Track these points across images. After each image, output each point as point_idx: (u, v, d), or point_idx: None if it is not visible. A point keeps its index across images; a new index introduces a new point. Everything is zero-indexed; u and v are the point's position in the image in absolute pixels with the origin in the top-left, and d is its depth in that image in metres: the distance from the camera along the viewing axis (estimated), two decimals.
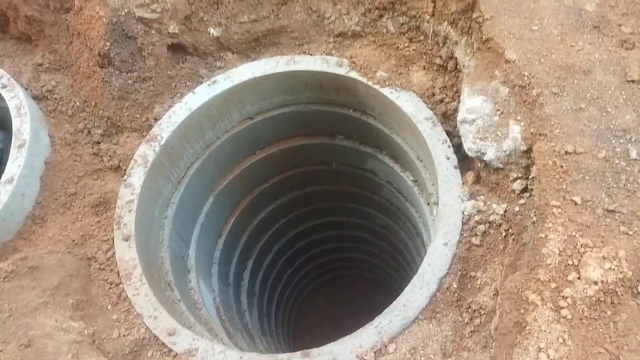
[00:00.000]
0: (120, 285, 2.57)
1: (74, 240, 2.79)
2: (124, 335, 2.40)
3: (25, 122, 3.30)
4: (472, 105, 2.46)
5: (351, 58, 3.10)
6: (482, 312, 2.28)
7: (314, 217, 5.66)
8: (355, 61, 3.06)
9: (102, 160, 3.34)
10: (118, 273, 2.62)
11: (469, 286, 2.40)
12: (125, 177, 2.95)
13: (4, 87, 3.49)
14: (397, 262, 6.01)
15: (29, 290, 2.33)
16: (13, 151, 3.20)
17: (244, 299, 4.95)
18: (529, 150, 2.29)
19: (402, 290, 2.41)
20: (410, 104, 2.89)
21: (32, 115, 3.36)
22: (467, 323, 2.29)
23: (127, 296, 2.53)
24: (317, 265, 6.91)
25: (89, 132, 3.46)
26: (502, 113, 2.42)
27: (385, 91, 2.96)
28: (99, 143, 3.40)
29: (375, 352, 2.24)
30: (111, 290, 2.57)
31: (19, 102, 3.39)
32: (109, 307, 2.52)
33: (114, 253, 2.69)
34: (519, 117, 2.34)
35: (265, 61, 3.24)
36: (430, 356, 2.21)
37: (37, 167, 3.27)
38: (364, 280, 7.41)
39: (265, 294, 5.83)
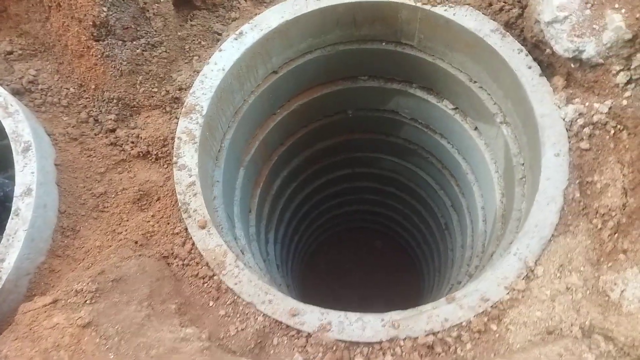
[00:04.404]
0: (215, 277, 2.23)
1: (136, 242, 2.38)
2: (242, 329, 2.09)
3: (19, 120, 2.73)
4: (561, 2, 2.28)
5: None
6: (613, 213, 2.19)
7: (319, 176, 5.40)
8: None
9: (124, 150, 2.86)
10: (207, 264, 2.26)
11: (589, 192, 2.30)
12: (175, 158, 2.53)
13: None
14: (404, 204, 5.93)
15: (125, 306, 1.93)
16: (18, 158, 2.65)
17: (275, 273, 4.69)
18: (634, 38, 2.17)
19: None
20: (470, 19, 2.67)
21: (24, 112, 2.80)
22: (600, 228, 2.20)
23: (227, 287, 2.20)
24: (318, 226, 6.70)
25: (96, 120, 2.94)
26: (592, 5, 2.27)
27: (439, 10, 2.71)
28: (113, 130, 2.90)
29: (524, 279, 2.10)
30: (206, 285, 2.22)
31: (2, 100, 2.79)
32: (211, 303, 2.18)
33: (193, 244, 2.32)
34: (616, 5, 2.20)
35: (292, 1, 2.85)
36: (580, 269, 2.11)
37: (50, 172, 2.75)
38: (364, 231, 7.28)
39: (284, 265, 5.59)
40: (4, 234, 2.47)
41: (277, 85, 3.30)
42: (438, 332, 2.05)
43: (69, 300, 1.97)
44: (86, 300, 1.91)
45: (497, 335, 2.02)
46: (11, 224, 2.48)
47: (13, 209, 2.51)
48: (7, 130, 2.71)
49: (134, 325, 1.87)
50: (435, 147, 4.22)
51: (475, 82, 3.02)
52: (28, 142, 2.68)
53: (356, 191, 5.95)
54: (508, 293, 2.09)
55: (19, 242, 2.43)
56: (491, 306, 2.07)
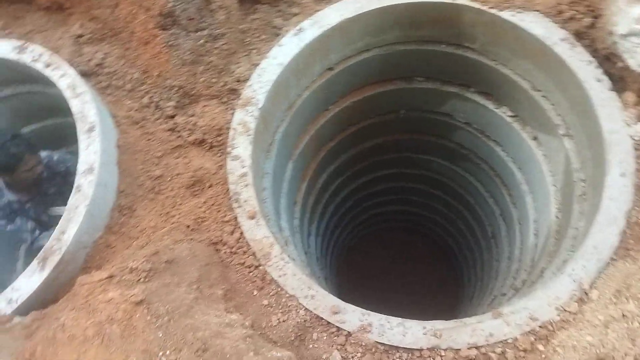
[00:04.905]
0: (261, 268, 2.28)
1: (188, 226, 2.46)
2: (283, 321, 2.13)
3: (86, 101, 2.86)
4: (639, 14, 2.16)
5: None
6: None
7: (366, 173, 5.37)
8: None
9: (181, 136, 2.95)
10: (254, 254, 2.31)
11: None
12: (229, 149, 2.59)
13: (48, 65, 3.02)
14: (450, 208, 5.80)
15: (175, 288, 2.01)
16: (82, 137, 2.79)
17: (314, 266, 4.73)
18: None
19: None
20: (538, 26, 2.57)
21: (91, 93, 2.94)
22: None
23: (272, 278, 2.24)
24: (360, 222, 6.67)
25: (157, 106, 3.05)
26: None
27: (506, 15, 2.62)
28: (172, 117, 3.00)
29: (577, 302, 2.02)
30: (251, 274, 2.27)
31: (71, 81, 2.94)
32: (255, 292, 2.23)
33: (241, 234, 2.38)
34: None
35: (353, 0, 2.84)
36: (638, 297, 2.00)
37: (112, 153, 2.87)
38: (406, 231, 7.19)
39: (323, 258, 5.61)
40: (66, 208, 2.62)
41: (332, 81, 3.31)
42: (481, 346, 2.01)
43: (123, 277, 2.06)
44: (140, 279, 2.00)
45: (543, 356, 1.96)
46: (73, 199, 2.62)
47: (75, 185, 2.65)
48: (74, 110, 2.86)
49: (183, 307, 1.94)
50: (488, 154, 4.11)
51: (538, 90, 2.91)
52: (93, 123, 2.81)
53: (402, 191, 5.89)
54: (559, 314, 2.02)
55: (80, 217, 2.57)
56: (540, 326, 2.01)
